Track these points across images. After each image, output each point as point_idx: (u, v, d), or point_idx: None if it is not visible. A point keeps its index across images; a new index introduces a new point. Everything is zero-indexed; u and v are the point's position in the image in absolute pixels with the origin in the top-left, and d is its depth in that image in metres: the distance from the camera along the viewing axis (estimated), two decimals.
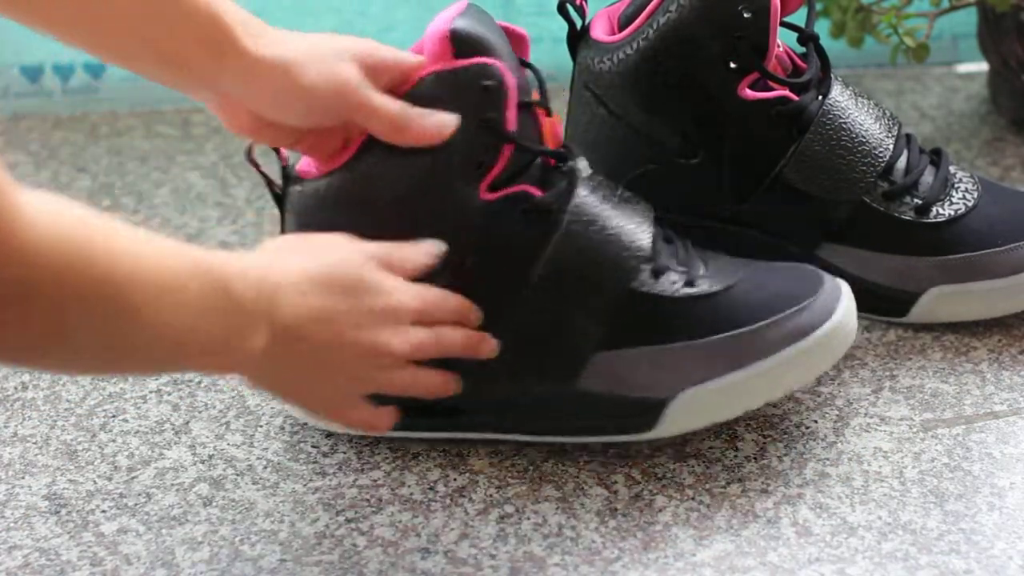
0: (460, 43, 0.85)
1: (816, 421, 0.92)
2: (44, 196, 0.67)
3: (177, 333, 0.72)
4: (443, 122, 0.84)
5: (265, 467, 0.90)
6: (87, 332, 0.69)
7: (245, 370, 0.78)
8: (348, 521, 0.86)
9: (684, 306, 0.88)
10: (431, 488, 0.88)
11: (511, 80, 0.85)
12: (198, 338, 0.73)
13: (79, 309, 0.68)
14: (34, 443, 0.93)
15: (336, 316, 0.79)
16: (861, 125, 0.99)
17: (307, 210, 0.88)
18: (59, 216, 0.67)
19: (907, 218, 0.98)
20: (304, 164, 0.90)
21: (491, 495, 0.87)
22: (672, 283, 0.89)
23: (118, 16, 0.82)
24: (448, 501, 0.87)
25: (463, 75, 0.85)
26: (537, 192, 0.87)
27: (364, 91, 0.84)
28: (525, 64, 0.89)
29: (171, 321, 0.71)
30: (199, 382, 0.98)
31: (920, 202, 0.98)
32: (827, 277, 0.91)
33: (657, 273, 0.89)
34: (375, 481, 0.89)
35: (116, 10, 0.82)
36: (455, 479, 0.89)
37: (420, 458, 0.90)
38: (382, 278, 0.81)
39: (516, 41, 0.90)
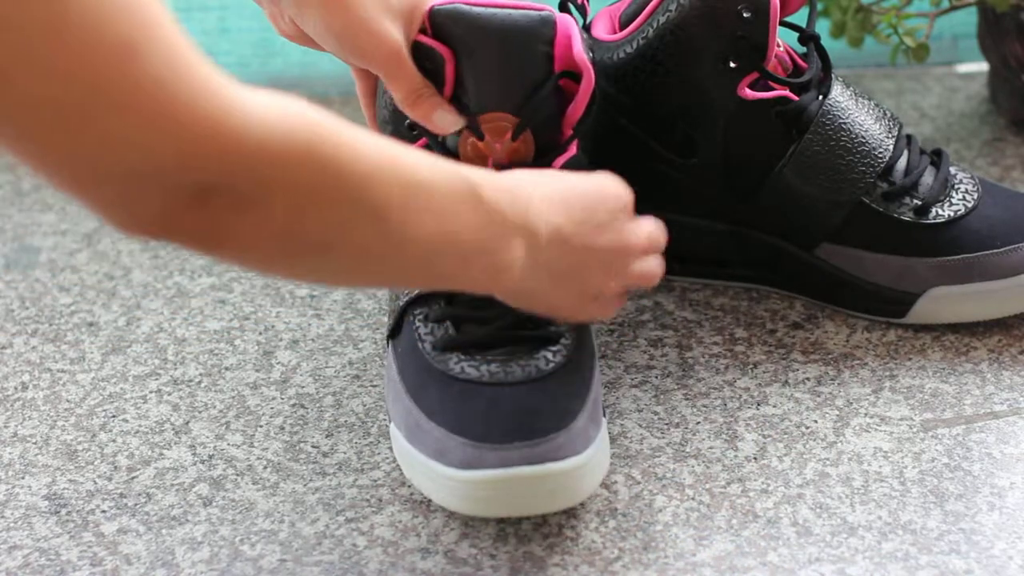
0: None
1: (816, 421, 0.92)
2: (267, 94, 0.66)
3: (430, 236, 0.72)
4: (445, 121, 0.88)
5: (265, 467, 0.90)
6: (333, 234, 0.68)
7: (502, 281, 0.78)
8: (348, 521, 0.86)
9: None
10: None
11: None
12: (453, 244, 0.73)
13: (320, 209, 0.67)
14: (34, 443, 0.93)
15: (587, 221, 0.81)
16: (861, 125, 0.99)
17: None
18: (283, 109, 0.66)
19: (907, 219, 0.98)
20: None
21: None
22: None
23: None
24: None
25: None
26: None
27: (397, 57, 0.86)
28: None
29: (422, 223, 0.71)
30: (199, 382, 0.98)
31: (920, 203, 0.98)
32: None
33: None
34: (375, 481, 0.89)
35: None
36: None
37: None
38: (618, 196, 0.84)
39: None
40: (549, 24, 0.88)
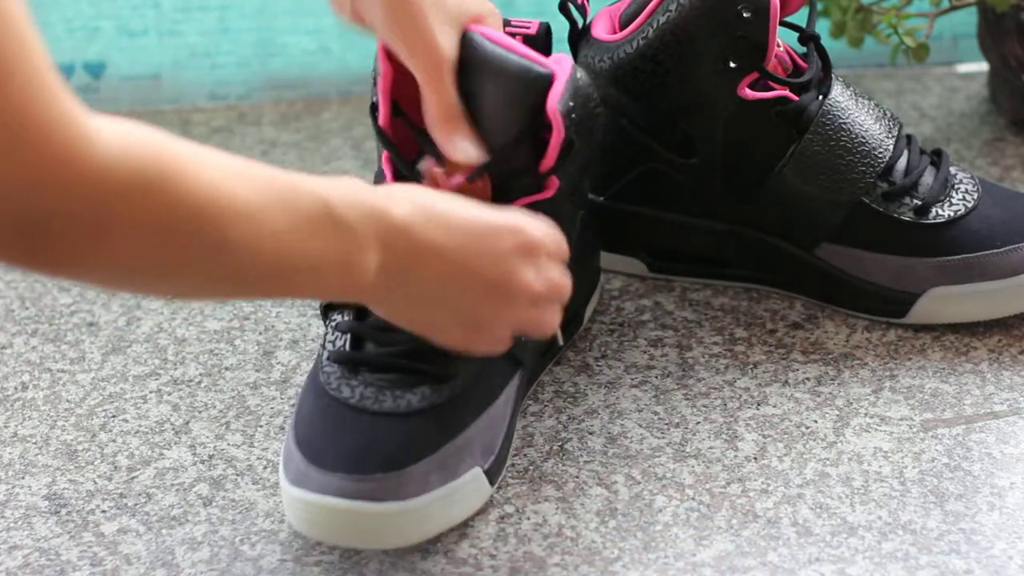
0: None
1: (816, 421, 0.92)
2: (117, 121, 0.66)
3: (272, 256, 0.71)
4: (463, 149, 0.86)
5: (265, 467, 0.90)
6: (175, 262, 0.68)
7: (358, 294, 0.77)
8: None
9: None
10: None
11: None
12: (297, 261, 0.72)
13: (162, 240, 0.67)
14: (34, 443, 0.93)
15: (470, 246, 0.78)
16: (861, 126, 0.99)
17: None
18: (131, 138, 0.66)
19: (906, 219, 0.98)
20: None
21: (491, 495, 0.87)
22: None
23: None
24: None
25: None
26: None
27: (442, 72, 0.86)
28: None
29: (263, 245, 0.70)
30: (199, 382, 0.98)
31: (920, 203, 0.98)
32: None
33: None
34: None
35: None
36: None
37: None
38: (522, 225, 0.80)
39: None
40: (545, 81, 0.86)
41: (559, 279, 0.81)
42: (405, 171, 0.88)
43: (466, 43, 0.87)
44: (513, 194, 0.88)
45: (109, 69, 1.31)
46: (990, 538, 0.83)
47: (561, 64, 0.88)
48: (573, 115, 0.87)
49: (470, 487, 0.84)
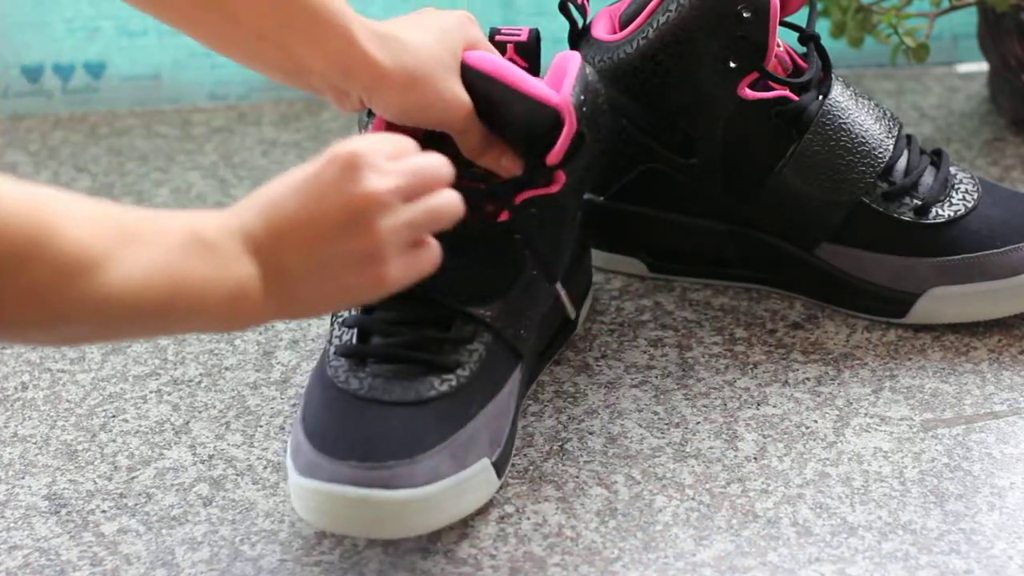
0: None
1: (816, 421, 0.92)
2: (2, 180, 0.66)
3: (156, 290, 0.71)
4: (512, 166, 0.89)
5: (265, 467, 0.90)
6: (57, 312, 0.68)
7: (259, 304, 0.75)
8: None
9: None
10: None
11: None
12: (182, 289, 0.72)
13: (41, 293, 0.67)
14: (34, 443, 0.93)
15: (303, 204, 0.76)
16: (861, 126, 0.99)
17: None
18: (8, 200, 0.66)
19: (906, 219, 0.98)
20: None
21: (497, 488, 0.87)
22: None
23: (252, 21, 0.84)
24: None
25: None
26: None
27: (471, 118, 0.88)
28: None
29: (143, 280, 0.70)
30: (199, 382, 0.98)
31: (920, 203, 0.98)
32: None
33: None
34: None
35: (251, 16, 0.84)
36: None
37: None
38: (357, 170, 0.78)
39: None
40: (550, 118, 0.87)
41: (405, 168, 0.78)
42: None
43: (468, 74, 0.87)
44: (519, 187, 0.89)
45: (109, 69, 1.31)
46: (990, 538, 0.83)
47: (570, 59, 0.88)
48: (584, 108, 0.87)
49: (479, 477, 0.84)
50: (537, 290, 0.91)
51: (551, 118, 0.87)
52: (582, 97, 0.88)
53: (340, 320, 0.88)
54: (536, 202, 0.88)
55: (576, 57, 0.89)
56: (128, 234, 0.71)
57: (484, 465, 0.85)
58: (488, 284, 0.89)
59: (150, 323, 0.72)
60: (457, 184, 0.82)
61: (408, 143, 0.80)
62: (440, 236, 0.80)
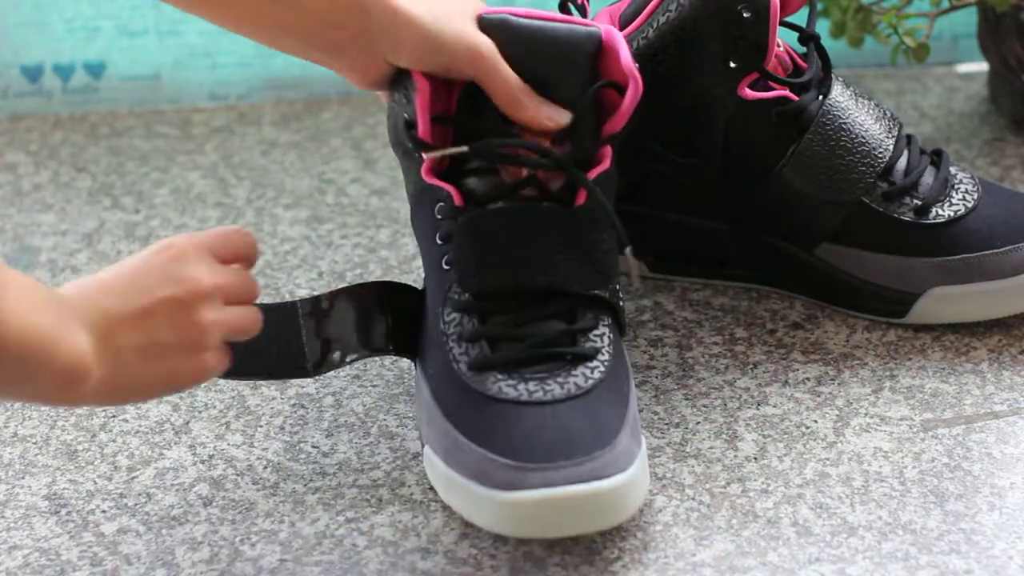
0: None
1: (816, 421, 0.92)
2: None
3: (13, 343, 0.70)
4: (556, 115, 0.88)
5: (265, 467, 0.90)
6: None
7: (80, 381, 0.75)
8: (348, 521, 0.86)
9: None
10: (431, 488, 0.88)
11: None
12: (30, 343, 0.71)
13: None
14: (34, 443, 0.93)
15: (132, 288, 0.78)
16: (861, 126, 0.99)
17: None
18: None
19: (906, 219, 0.98)
20: None
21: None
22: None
23: None
24: None
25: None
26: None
27: (494, 59, 0.88)
28: None
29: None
30: None
31: (920, 203, 0.98)
32: None
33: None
34: (375, 481, 0.89)
35: None
36: None
37: (420, 458, 0.90)
38: (185, 265, 0.80)
39: None
40: (595, 39, 0.88)
41: (228, 271, 0.81)
42: (478, 161, 0.89)
43: (500, 26, 0.87)
44: (584, 168, 0.89)
45: (109, 69, 1.31)
46: (990, 538, 0.83)
47: (613, 32, 0.89)
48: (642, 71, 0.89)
49: (643, 452, 0.84)
50: (617, 261, 0.91)
51: (594, 41, 0.88)
52: (637, 64, 0.88)
53: (454, 337, 0.87)
54: (600, 180, 0.89)
55: (616, 31, 0.89)
56: None
57: (644, 440, 0.86)
58: (600, 264, 0.89)
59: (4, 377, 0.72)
60: (517, 154, 0.86)
61: (240, 242, 0.82)
62: (527, 228, 0.85)
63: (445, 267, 0.88)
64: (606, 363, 0.86)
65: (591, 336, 0.86)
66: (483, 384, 0.84)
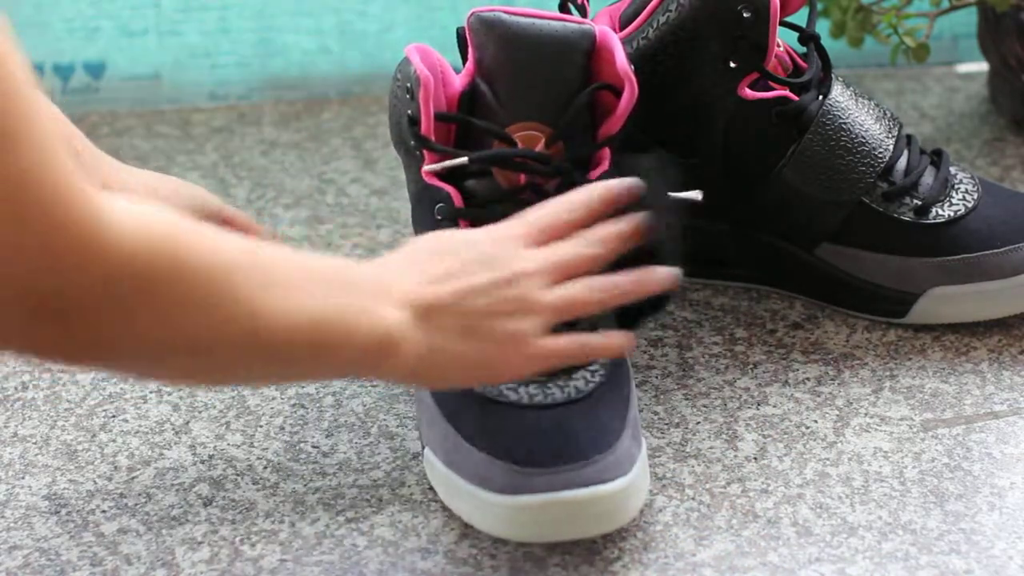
0: None
1: (816, 421, 0.92)
2: (129, 203, 0.65)
3: (300, 325, 0.70)
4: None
5: (265, 467, 0.90)
6: (199, 338, 0.67)
7: (393, 357, 0.75)
8: (348, 521, 0.86)
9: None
10: (431, 488, 0.88)
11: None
12: (326, 329, 0.72)
13: (183, 316, 0.66)
14: (34, 443, 0.93)
15: (463, 270, 0.77)
16: (861, 126, 0.99)
17: None
18: (147, 216, 0.65)
19: (906, 219, 0.98)
20: None
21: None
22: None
23: None
24: None
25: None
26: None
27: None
28: None
29: (289, 314, 0.70)
30: None
31: (920, 203, 0.98)
32: None
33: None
34: (375, 481, 0.89)
35: None
36: None
37: (420, 458, 0.90)
38: (505, 248, 0.79)
39: None
40: (588, 37, 0.88)
41: (551, 254, 0.80)
42: (474, 164, 0.89)
43: (494, 23, 0.87)
44: (582, 170, 0.89)
45: (109, 69, 1.31)
46: (990, 538, 0.83)
47: (608, 34, 0.89)
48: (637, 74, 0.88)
49: (644, 455, 0.84)
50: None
51: (588, 40, 0.88)
52: (632, 67, 0.88)
53: None
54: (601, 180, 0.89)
55: (611, 32, 0.89)
56: (278, 260, 0.71)
57: (644, 443, 0.86)
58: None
59: (295, 356, 0.72)
60: (516, 160, 0.86)
61: (580, 202, 0.81)
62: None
63: None
64: (607, 366, 0.86)
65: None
66: (483, 387, 0.84)
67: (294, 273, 0.71)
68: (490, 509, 0.81)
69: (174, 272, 0.65)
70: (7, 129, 0.59)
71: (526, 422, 0.82)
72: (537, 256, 0.79)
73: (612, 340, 0.81)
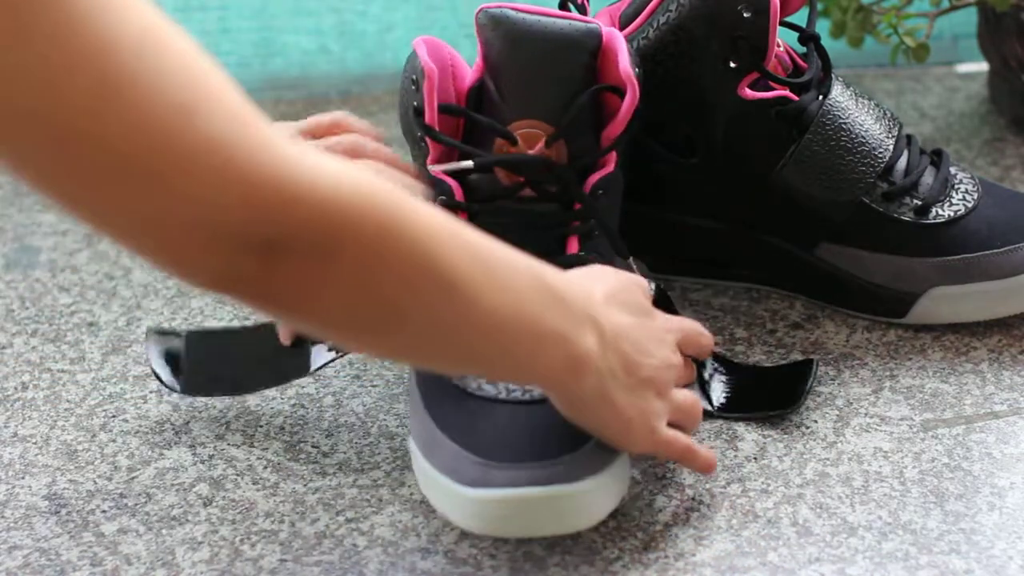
0: None
1: (816, 421, 0.92)
2: (328, 155, 0.66)
3: (502, 312, 0.71)
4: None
5: (265, 467, 0.90)
6: (403, 296, 0.68)
7: (579, 374, 0.76)
8: (348, 521, 0.86)
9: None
10: None
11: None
12: (526, 324, 0.72)
13: (390, 267, 0.67)
14: (34, 443, 0.93)
15: (638, 328, 0.80)
16: (861, 126, 0.99)
17: None
18: (351, 173, 0.66)
19: (906, 219, 0.98)
20: None
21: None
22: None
23: None
24: None
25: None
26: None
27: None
28: None
29: (493, 297, 0.70)
30: None
31: (920, 203, 0.98)
32: None
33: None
34: (375, 481, 0.89)
35: None
36: None
37: None
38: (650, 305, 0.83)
39: None
40: (594, 36, 0.88)
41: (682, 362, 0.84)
42: (475, 158, 0.89)
43: (501, 19, 0.87)
44: (583, 173, 0.89)
45: None
46: (990, 538, 0.83)
47: (615, 36, 0.89)
48: (639, 81, 0.88)
49: (622, 460, 0.84)
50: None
51: (594, 39, 0.88)
52: (636, 70, 0.88)
53: None
54: (602, 184, 0.89)
55: (617, 33, 0.89)
56: (485, 246, 0.71)
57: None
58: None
59: (476, 346, 0.73)
60: (519, 161, 0.86)
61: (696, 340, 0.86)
62: (523, 230, 0.85)
63: None
64: None
65: None
66: (463, 379, 0.84)
67: (502, 266, 0.72)
68: (458, 500, 0.81)
69: (378, 221, 0.66)
70: (192, 102, 0.62)
71: (499, 417, 0.82)
72: (679, 359, 0.83)
73: (707, 458, 0.84)
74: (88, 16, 0.60)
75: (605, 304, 0.79)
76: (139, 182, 0.62)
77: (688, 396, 0.84)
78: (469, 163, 0.88)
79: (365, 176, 0.67)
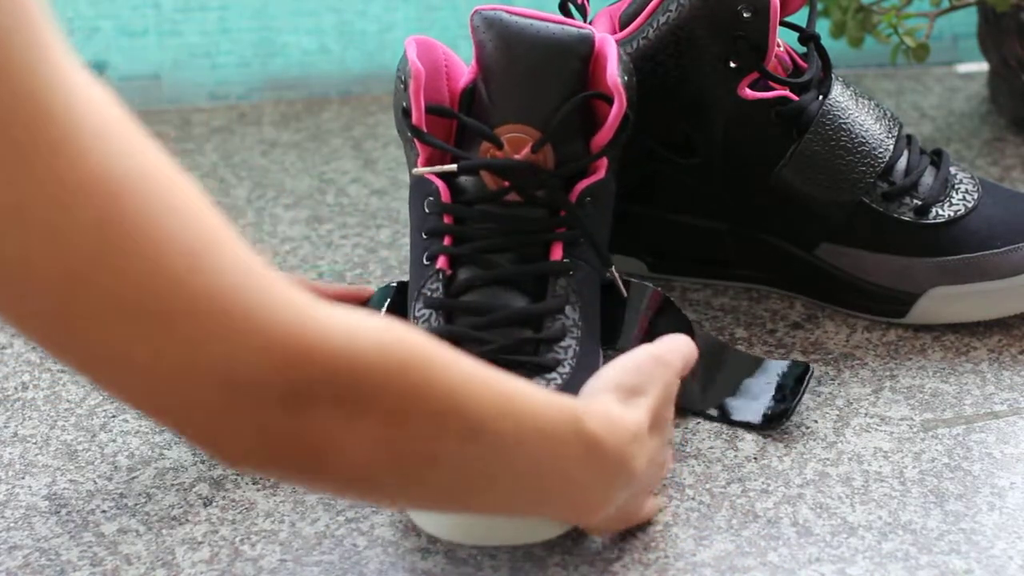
0: None
1: (816, 421, 0.92)
2: (344, 308, 0.65)
3: (526, 458, 0.70)
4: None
5: None
6: (434, 445, 0.67)
7: (592, 516, 0.78)
8: (348, 521, 0.86)
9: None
10: None
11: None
12: (551, 470, 0.72)
13: (421, 419, 0.66)
14: (34, 443, 0.93)
15: (657, 450, 0.81)
16: (861, 126, 0.99)
17: None
18: (374, 324, 0.65)
19: (906, 219, 0.98)
20: None
21: None
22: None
23: None
24: None
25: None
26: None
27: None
28: None
29: (519, 444, 0.69)
30: None
31: (920, 203, 0.98)
32: None
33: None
34: None
35: None
36: None
37: None
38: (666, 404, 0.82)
39: None
40: (586, 42, 0.88)
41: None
42: (462, 160, 0.88)
43: (494, 21, 0.87)
44: (571, 180, 0.89)
45: (109, 69, 1.31)
46: (990, 538, 0.83)
47: (607, 42, 0.89)
48: (627, 89, 0.88)
49: None
50: (598, 278, 0.91)
51: (587, 44, 0.87)
52: (625, 78, 0.88)
53: (424, 329, 0.86)
54: (590, 191, 0.89)
55: (611, 40, 0.89)
56: (513, 390, 0.70)
57: None
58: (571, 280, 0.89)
59: (504, 491, 0.72)
60: (502, 166, 0.86)
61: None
62: (507, 234, 0.85)
63: (425, 262, 0.88)
64: (564, 375, 0.85)
65: (556, 347, 0.86)
66: None
67: (529, 414, 0.70)
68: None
69: (405, 372, 0.65)
70: (199, 252, 0.60)
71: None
72: (670, 454, 0.85)
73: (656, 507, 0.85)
74: (91, 150, 0.58)
75: (638, 442, 0.77)
76: (153, 329, 0.60)
77: (665, 468, 0.84)
78: (453, 167, 0.88)
79: (383, 323, 0.65)
